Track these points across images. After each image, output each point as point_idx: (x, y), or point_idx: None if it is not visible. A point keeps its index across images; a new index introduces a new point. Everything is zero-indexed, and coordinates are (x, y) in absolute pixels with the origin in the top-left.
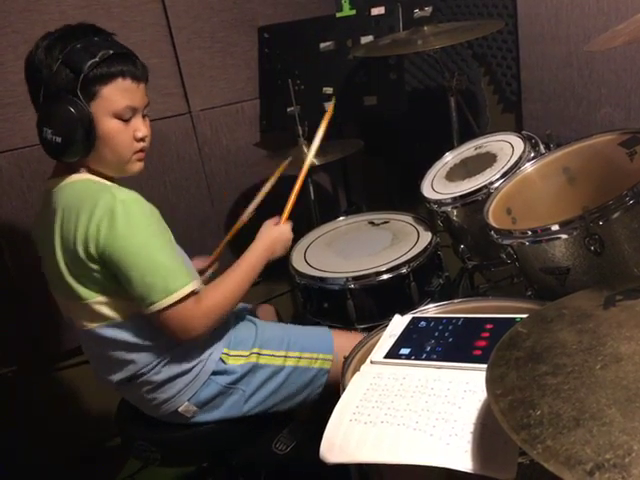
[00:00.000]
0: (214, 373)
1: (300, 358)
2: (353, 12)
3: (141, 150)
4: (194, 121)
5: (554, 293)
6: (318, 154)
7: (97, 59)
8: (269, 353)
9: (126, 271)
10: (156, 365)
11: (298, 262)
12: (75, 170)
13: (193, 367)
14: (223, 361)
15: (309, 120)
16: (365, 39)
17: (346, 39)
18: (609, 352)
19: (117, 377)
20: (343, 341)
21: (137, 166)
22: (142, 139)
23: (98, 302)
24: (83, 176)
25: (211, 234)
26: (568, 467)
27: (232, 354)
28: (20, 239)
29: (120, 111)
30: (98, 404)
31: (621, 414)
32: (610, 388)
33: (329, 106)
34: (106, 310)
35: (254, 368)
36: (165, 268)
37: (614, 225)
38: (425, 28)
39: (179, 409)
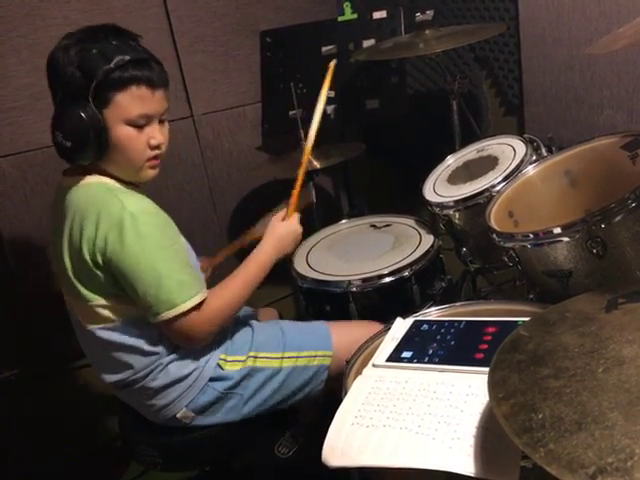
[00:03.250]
0: (211, 379)
1: (298, 357)
2: (355, 16)
3: (155, 157)
4: (196, 125)
5: (556, 296)
6: (319, 156)
7: (112, 65)
8: (265, 355)
9: (132, 283)
10: (152, 370)
11: (300, 265)
12: (90, 171)
13: (190, 374)
14: (220, 367)
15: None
16: (367, 43)
17: (348, 43)
18: (611, 355)
19: (114, 378)
20: (342, 333)
21: (150, 173)
22: (157, 146)
23: (100, 305)
24: (96, 179)
25: (213, 237)
26: (570, 471)
27: (229, 360)
28: (23, 242)
29: (133, 119)
30: (100, 407)
31: (623, 417)
32: (612, 391)
33: (330, 66)
34: (107, 313)
35: (251, 372)
36: (170, 281)
37: (616, 228)
38: (427, 31)
39: (177, 415)
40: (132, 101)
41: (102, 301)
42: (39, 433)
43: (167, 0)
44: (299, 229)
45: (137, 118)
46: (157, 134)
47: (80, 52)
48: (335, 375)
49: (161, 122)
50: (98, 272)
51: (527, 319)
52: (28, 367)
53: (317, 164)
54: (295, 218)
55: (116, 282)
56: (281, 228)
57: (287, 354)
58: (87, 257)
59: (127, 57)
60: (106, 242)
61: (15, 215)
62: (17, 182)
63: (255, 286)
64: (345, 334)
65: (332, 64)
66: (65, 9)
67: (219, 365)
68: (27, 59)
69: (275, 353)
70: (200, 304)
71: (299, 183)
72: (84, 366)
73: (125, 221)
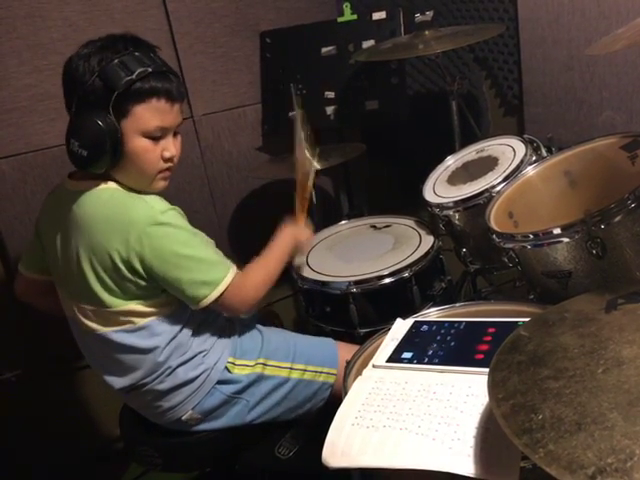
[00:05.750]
0: (219, 382)
1: (305, 371)
2: (354, 17)
3: (167, 169)
4: (196, 126)
5: (556, 296)
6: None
7: (134, 77)
8: (275, 364)
9: (175, 275)
10: (161, 374)
11: (300, 266)
12: (101, 178)
13: (198, 376)
14: (228, 370)
15: (311, 124)
16: (367, 43)
17: (348, 43)
18: (611, 356)
19: (122, 383)
20: (347, 354)
21: (160, 184)
22: (170, 159)
23: (124, 310)
24: (110, 185)
25: (213, 237)
26: (570, 471)
27: (238, 363)
28: (24, 244)
29: (150, 131)
30: (101, 408)
31: (623, 418)
32: (612, 392)
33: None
34: (127, 317)
35: (259, 379)
36: (209, 263)
37: (616, 228)
38: (426, 32)
39: (182, 417)
40: (151, 113)
41: (126, 306)
42: (40, 434)
43: (167, 1)
44: (311, 237)
45: (154, 130)
46: (171, 147)
47: (101, 61)
48: (337, 391)
49: (175, 135)
50: (133, 277)
51: (527, 320)
52: (29, 368)
53: (317, 165)
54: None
55: (150, 284)
56: (295, 226)
57: (296, 365)
58: (120, 264)
59: (149, 69)
60: (142, 243)
61: (15, 216)
62: (17, 184)
63: (281, 266)
64: (350, 353)
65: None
66: (65, 10)
67: (227, 368)
68: (27, 60)
69: (284, 363)
70: (242, 272)
71: (306, 203)
72: (85, 367)
73: (157, 218)
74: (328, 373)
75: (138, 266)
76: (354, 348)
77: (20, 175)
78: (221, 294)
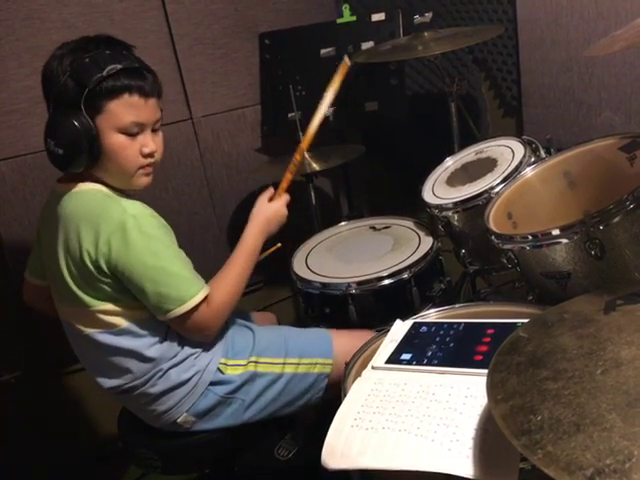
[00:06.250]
0: (212, 384)
1: (299, 364)
2: (354, 18)
3: (148, 165)
4: (196, 127)
5: (555, 297)
6: (318, 158)
7: (104, 74)
8: (267, 361)
9: (140, 284)
10: (153, 376)
11: (299, 267)
12: (85, 178)
13: (190, 378)
14: (221, 371)
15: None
16: (366, 45)
17: (347, 45)
18: (610, 357)
19: (113, 383)
20: (344, 342)
21: (143, 180)
22: (149, 154)
23: (102, 310)
24: (92, 186)
25: (213, 239)
26: (568, 472)
27: (230, 364)
28: (23, 245)
29: (126, 126)
30: (100, 410)
31: (621, 419)
32: (610, 393)
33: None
34: (108, 318)
35: (252, 377)
36: (178, 278)
37: (615, 229)
38: (425, 34)
39: (178, 420)
40: (124, 109)
41: (104, 306)
42: (40, 434)
43: (166, 3)
44: (285, 212)
45: (129, 126)
46: (149, 142)
47: (73, 61)
48: (335, 381)
49: (154, 131)
50: (102, 278)
51: (526, 321)
52: (28, 370)
53: (316, 166)
54: (283, 200)
55: (120, 287)
56: (268, 211)
57: (289, 360)
58: (89, 264)
59: (119, 66)
60: (110, 246)
61: (14, 218)
62: (16, 185)
63: (250, 271)
64: (346, 342)
65: (347, 61)
66: (64, 12)
67: (219, 369)
68: (26, 62)
69: (277, 359)
70: (206, 297)
71: (293, 169)
72: (84, 369)
73: (128, 223)
74: (323, 364)
75: (105, 268)
76: (350, 335)
77: (19, 177)
78: (187, 312)
